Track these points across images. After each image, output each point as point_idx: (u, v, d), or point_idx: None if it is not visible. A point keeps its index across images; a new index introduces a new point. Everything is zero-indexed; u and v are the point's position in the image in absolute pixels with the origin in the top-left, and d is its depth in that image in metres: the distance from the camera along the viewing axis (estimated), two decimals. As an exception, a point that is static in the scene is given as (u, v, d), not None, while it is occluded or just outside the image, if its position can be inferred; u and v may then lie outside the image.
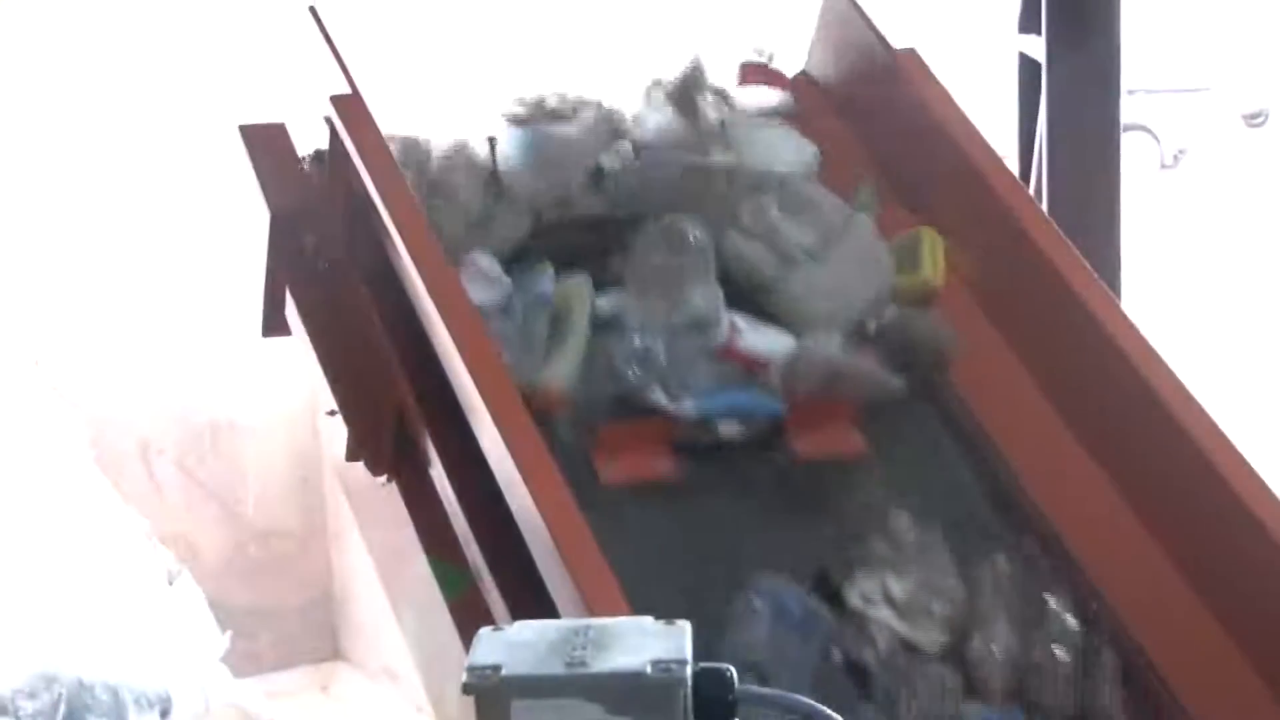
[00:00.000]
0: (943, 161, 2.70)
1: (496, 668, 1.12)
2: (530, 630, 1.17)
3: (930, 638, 2.44)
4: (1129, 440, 2.49)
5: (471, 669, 1.13)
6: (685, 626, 1.16)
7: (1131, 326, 2.46)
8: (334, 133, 2.74)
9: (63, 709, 5.39)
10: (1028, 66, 4.31)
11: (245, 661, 5.91)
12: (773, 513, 2.61)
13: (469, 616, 2.50)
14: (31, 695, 5.35)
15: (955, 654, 2.45)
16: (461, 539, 2.51)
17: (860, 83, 2.89)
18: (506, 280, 2.64)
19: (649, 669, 1.12)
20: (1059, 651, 2.39)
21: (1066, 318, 2.49)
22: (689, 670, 1.12)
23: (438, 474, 2.55)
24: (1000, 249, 2.61)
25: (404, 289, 2.60)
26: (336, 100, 2.70)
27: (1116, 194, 4.02)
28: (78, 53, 6.29)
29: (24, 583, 5.51)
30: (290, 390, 6.63)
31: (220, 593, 6.04)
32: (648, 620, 1.18)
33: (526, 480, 2.26)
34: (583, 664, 1.12)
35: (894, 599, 2.41)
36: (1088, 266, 2.52)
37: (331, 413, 2.74)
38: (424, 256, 2.49)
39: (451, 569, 2.56)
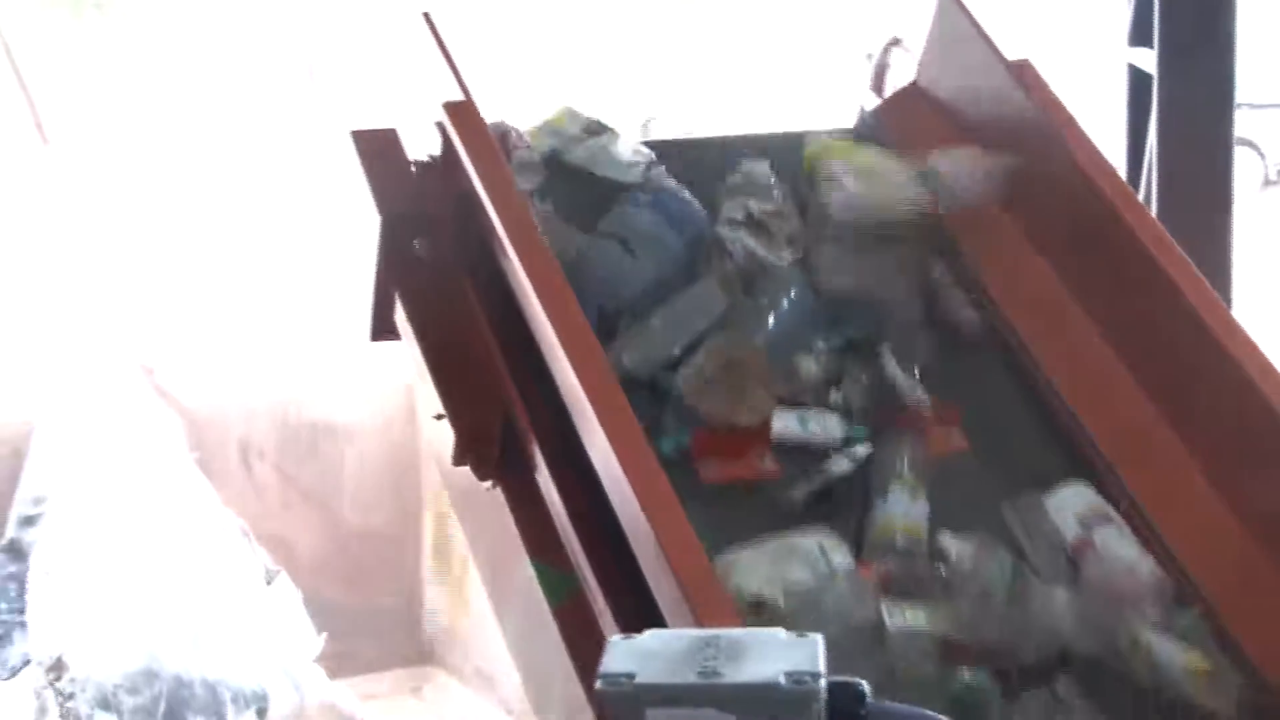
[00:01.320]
0: (1059, 176, 2.65)
1: (630, 675, 1.11)
2: (661, 639, 1.15)
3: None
4: (1246, 457, 2.44)
5: (605, 676, 1.11)
6: (817, 639, 1.14)
7: (1256, 348, 2.40)
8: (446, 138, 2.73)
9: (163, 705, 5.44)
10: (1138, 79, 4.25)
11: (340, 662, 5.93)
12: None
13: (573, 621, 2.49)
14: (132, 691, 5.41)
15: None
16: (566, 544, 2.49)
17: (973, 94, 2.85)
18: None
19: (783, 680, 1.10)
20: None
21: (1191, 341, 2.43)
22: (823, 682, 1.10)
23: (543, 479, 2.53)
24: (1118, 266, 2.56)
25: (513, 294, 2.59)
26: (449, 106, 2.69)
27: (1229, 210, 3.95)
28: (182, 56, 6.34)
29: (126, 580, 5.57)
30: (387, 393, 6.67)
31: (316, 593, 6.07)
32: (779, 631, 1.16)
33: (634, 487, 2.24)
34: (716, 674, 1.11)
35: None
36: (1209, 288, 2.47)
37: (439, 416, 2.73)
38: (534, 262, 2.48)
39: (555, 573, 2.54)
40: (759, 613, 2.31)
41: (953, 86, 2.88)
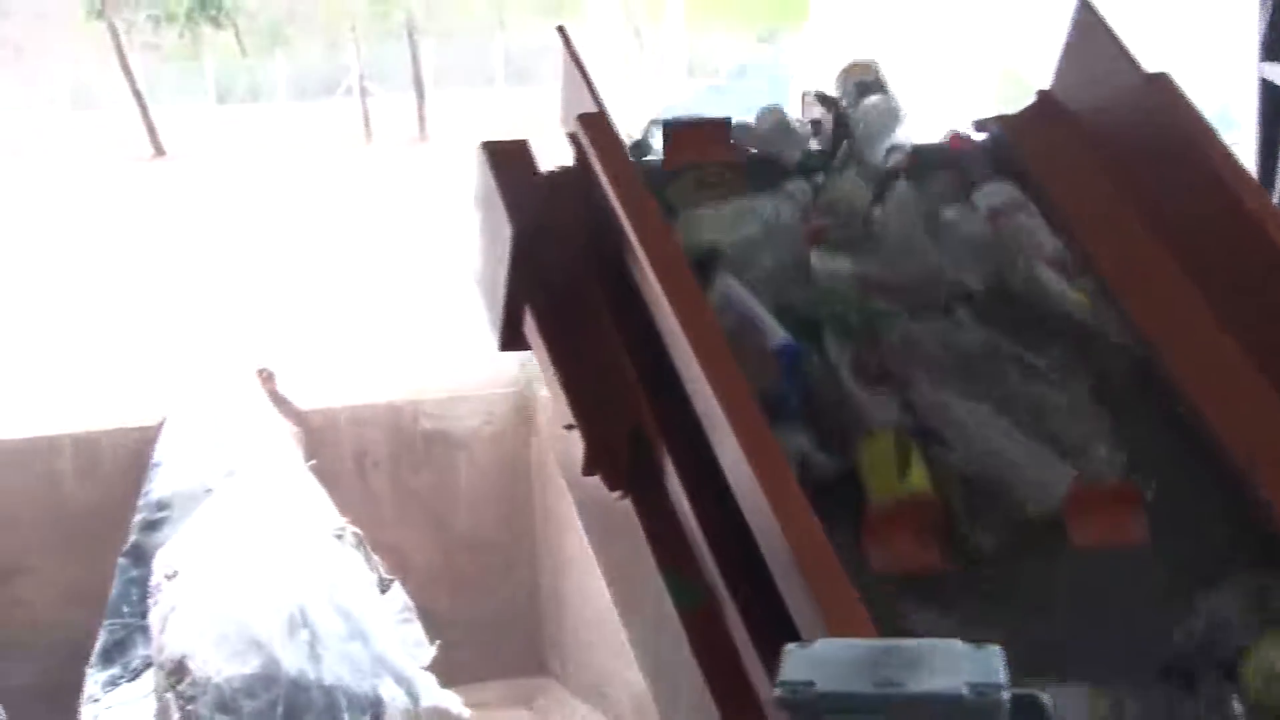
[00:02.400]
0: (1196, 187, 2.58)
1: (809, 684, 1.08)
2: (837, 647, 1.12)
3: None
4: None
5: (785, 684, 1.08)
6: (996, 650, 1.10)
7: None
8: (580, 150, 2.70)
9: (280, 709, 5.47)
10: (1270, 93, 4.17)
11: (451, 671, 5.94)
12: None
13: (703, 628, 2.44)
14: (251, 695, 5.44)
15: None
16: (697, 552, 2.44)
17: (1109, 106, 2.79)
18: None
19: (967, 691, 1.06)
20: None
21: None
22: (1005, 695, 1.07)
23: (674, 488, 2.49)
24: (1257, 278, 2.49)
25: (645, 305, 2.55)
26: (584, 118, 2.66)
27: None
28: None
29: (245, 586, 5.61)
30: (500, 403, 6.70)
31: (428, 602, 6.10)
32: (957, 642, 1.12)
33: (769, 498, 2.20)
34: (895, 684, 1.07)
35: None
36: None
37: (569, 427, 2.69)
38: (669, 273, 2.44)
39: (685, 582, 2.50)
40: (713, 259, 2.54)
41: (1087, 97, 2.82)
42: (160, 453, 6.04)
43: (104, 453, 6.17)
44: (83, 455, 6.16)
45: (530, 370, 6.78)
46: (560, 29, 2.83)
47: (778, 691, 1.09)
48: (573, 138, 2.75)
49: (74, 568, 5.98)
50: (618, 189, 2.56)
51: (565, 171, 2.81)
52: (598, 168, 2.61)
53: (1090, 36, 2.81)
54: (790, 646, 1.13)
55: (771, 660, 2.24)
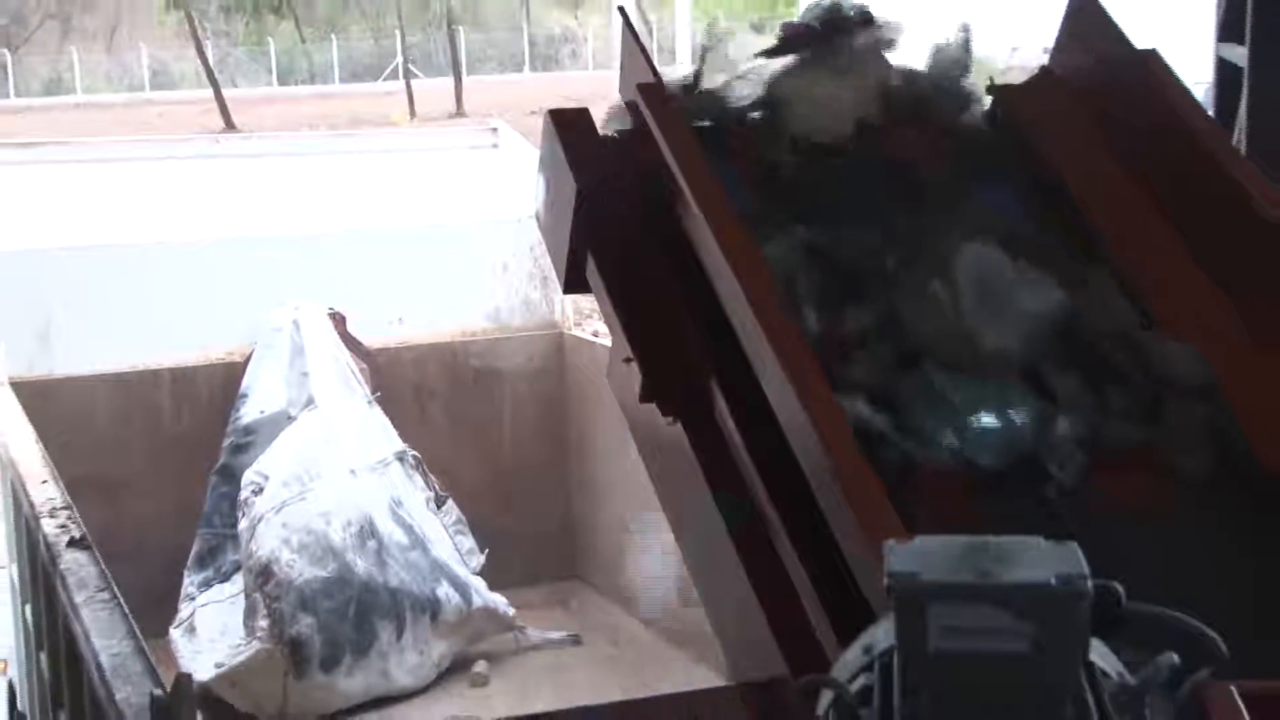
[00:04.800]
0: (1185, 156, 2.54)
1: (914, 574, 1.06)
2: (935, 544, 1.10)
3: None
4: None
5: (892, 574, 1.06)
6: (1074, 546, 1.09)
7: None
8: (638, 115, 2.67)
9: (353, 609, 5.49)
10: (1227, 72, 4.13)
11: (497, 575, 5.95)
12: None
13: (748, 541, 2.42)
14: (327, 595, 5.46)
15: None
16: (743, 471, 2.42)
17: (1104, 80, 2.75)
18: None
19: (1054, 581, 1.05)
20: None
21: None
22: (1090, 584, 1.05)
23: (721, 413, 2.47)
24: (1239, 237, 2.45)
25: (696, 250, 2.53)
26: (642, 87, 2.64)
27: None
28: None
29: (321, 500, 5.61)
30: (540, 344, 6.70)
31: (477, 516, 6.11)
32: (1038, 539, 1.11)
33: (811, 417, 2.17)
34: (991, 574, 1.05)
35: None
36: None
37: (627, 360, 2.67)
38: (720, 222, 2.42)
39: (732, 499, 2.48)
40: None
41: (1084, 73, 2.78)
42: (247, 384, 6.03)
43: (198, 383, 6.16)
44: (180, 386, 6.15)
45: (565, 315, 6.79)
46: (621, 9, 2.81)
47: (886, 581, 1.06)
48: (631, 105, 2.73)
49: (172, 485, 5.98)
50: (674, 148, 2.55)
51: (624, 135, 2.79)
52: (656, 130, 2.59)
53: (1086, 16, 2.78)
54: (889, 543, 1.11)
55: (813, 567, 2.22)
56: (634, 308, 2.70)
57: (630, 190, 2.72)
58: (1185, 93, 2.61)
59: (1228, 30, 4.10)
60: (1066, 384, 2.38)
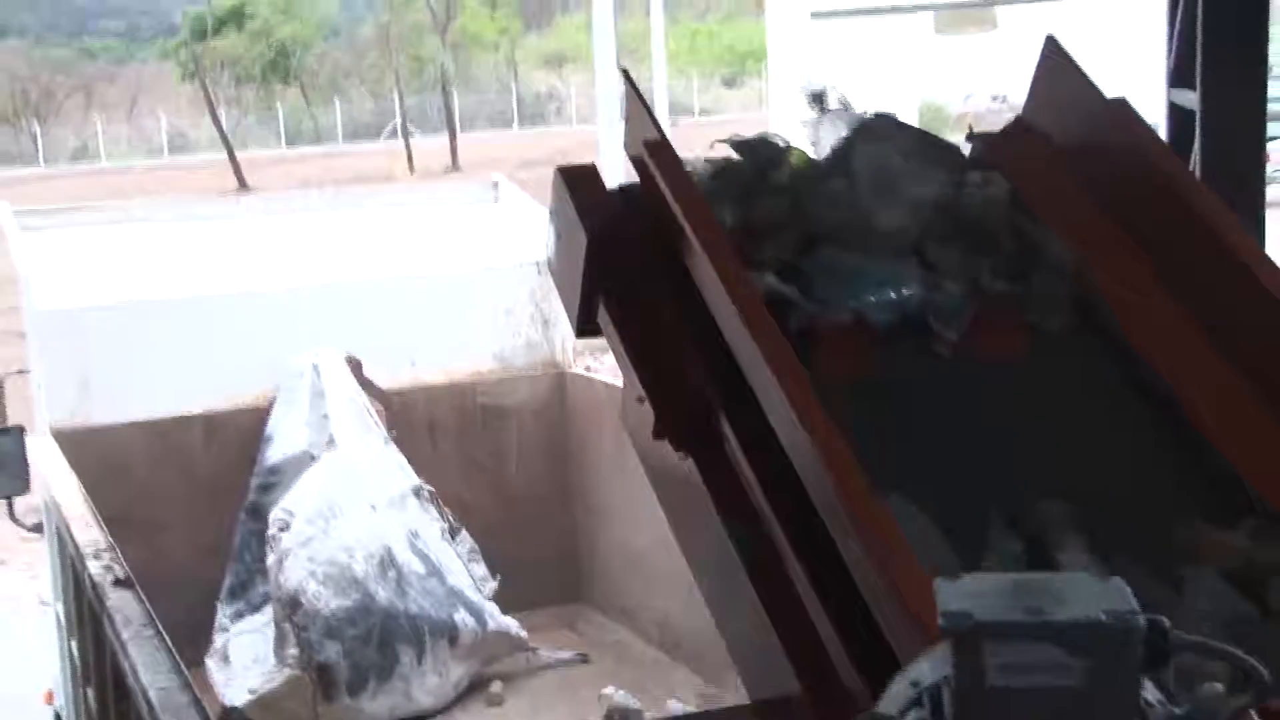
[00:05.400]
0: (1160, 198, 2.52)
1: (968, 615, 1.02)
2: (984, 582, 1.07)
3: None
4: None
5: (947, 615, 1.03)
6: (1121, 582, 1.06)
7: None
8: (644, 169, 2.65)
9: (376, 636, 5.43)
10: (1179, 117, 4.10)
11: (509, 599, 5.90)
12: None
13: (760, 568, 2.38)
14: (351, 623, 5.41)
15: None
16: (755, 503, 2.39)
17: (1076, 127, 2.73)
18: None
19: (1106, 617, 1.01)
20: None
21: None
22: (1142, 620, 1.02)
23: (731, 447, 2.44)
24: (1214, 273, 2.42)
25: (702, 294, 2.50)
26: (649, 144, 2.62)
27: (1263, 239, 3.78)
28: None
29: (344, 534, 5.57)
30: (542, 383, 6.66)
31: (489, 543, 6.06)
32: (1084, 575, 1.07)
33: (821, 460, 2.14)
34: (1044, 613, 1.02)
35: None
36: None
37: (640, 399, 2.64)
38: (724, 267, 2.40)
39: (741, 528, 2.44)
40: None
41: (1056, 121, 2.77)
42: (271, 427, 5.99)
43: (226, 428, 6.10)
44: (209, 430, 6.10)
45: (565, 355, 6.76)
46: (623, 71, 2.79)
47: (940, 622, 1.03)
48: (638, 160, 2.71)
49: (204, 524, 5.91)
50: (679, 197, 2.52)
51: (630, 188, 2.77)
52: (661, 181, 2.56)
53: (1058, 68, 2.76)
54: (939, 581, 1.07)
55: (826, 596, 2.18)
56: (644, 349, 2.67)
57: (637, 240, 2.70)
58: (1155, 139, 2.59)
59: (1179, 75, 4.08)
60: (948, 256, 2.56)
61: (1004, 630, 1.01)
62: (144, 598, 3.62)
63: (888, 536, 2.06)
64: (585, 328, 2.83)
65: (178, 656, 3.21)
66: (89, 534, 4.22)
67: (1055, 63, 2.76)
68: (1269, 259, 2.37)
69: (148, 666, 3.16)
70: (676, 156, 2.62)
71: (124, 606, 3.58)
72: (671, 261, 2.60)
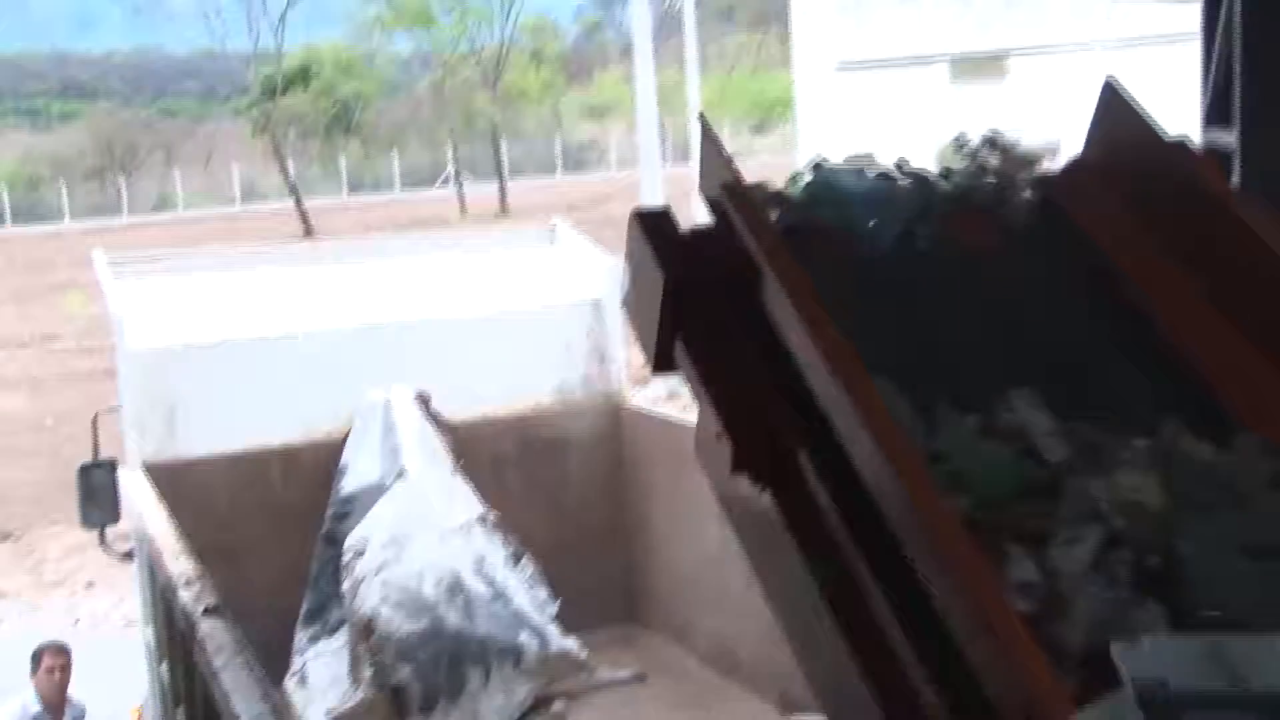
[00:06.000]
0: (1228, 236, 2.38)
1: (1163, 683, 0.90)
2: (1169, 646, 0.94)
3: None
4: None
5: (1138, 683, 0.90)
6: None
7: None
8: (722, 211, 2.54)
9: (446, 658, 5.33)
10: (1215, 157, 3.94)
11: (569, 621, 5.77)
12: None
13: (840, 602, 2.24)
14: (423, 646, 5.31)
15: None
16: (838, 538, 2.25)
17: (1136, 166, 2.60)
18: None
19: None
20: None
21: None
22: None
23: (811, 481, 2.31)
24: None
25: (782, 331, 2.38)
26: (726, 186, 2.51)
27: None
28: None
29: (415, 561, 5.47)
30: (601, 416, 6.56)
31: (550, 568, 5.94)
32: (1274, 640, 0.94)
33: (907, 487, 2.01)
34: (1242, 680, 0.90)
35: None
36: None
37: (718, 435, 2.51)
38: (804, 303, 2.28)
39: (821, 561, 2.30)
40: None
41: (1115, 160, 2.64)
42: (346, 459, 5.90)
43: (304, 460, 6.02)
44: (288, 462, 6.02)
45: (622, 388, 6.65)
46: (701, 117, 2.69)
47: (1131, 691, 0.90)
48: (714, 202, 2.60)
49: (283, 551, 5.83)
50: (758, 237, 2.41)
51: (705, 229, 2.65)
52: (740, 223, 2.45)
53: (1117, 108, 2.64)
54: (1119, 647, 0.94)
55: (911, 634, 2.05)
56: (723, 387, 2.55)
57: (714, 281, 2.58)
58: (1218, 175, 2.46)
59: (1215, 114, 3.92)
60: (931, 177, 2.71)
61: (1204, 700, 0.88)
62: (232, 625, 3.51)
63: (980, 575, 1.92)
64: (663, 365, 2.71)
65: (269, 686, 3.10)
66: (179, 564, 4.13)
67: (1114, 103, 2.63)
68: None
69: (241, 695, 3.06)
70: (754, 200, 2.51)
71: (214, 634, 3.49)
72: (748, 301, 2.48)
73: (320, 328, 6.29)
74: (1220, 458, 2.16)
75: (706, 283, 2.59)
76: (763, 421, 2.44)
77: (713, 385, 2.55)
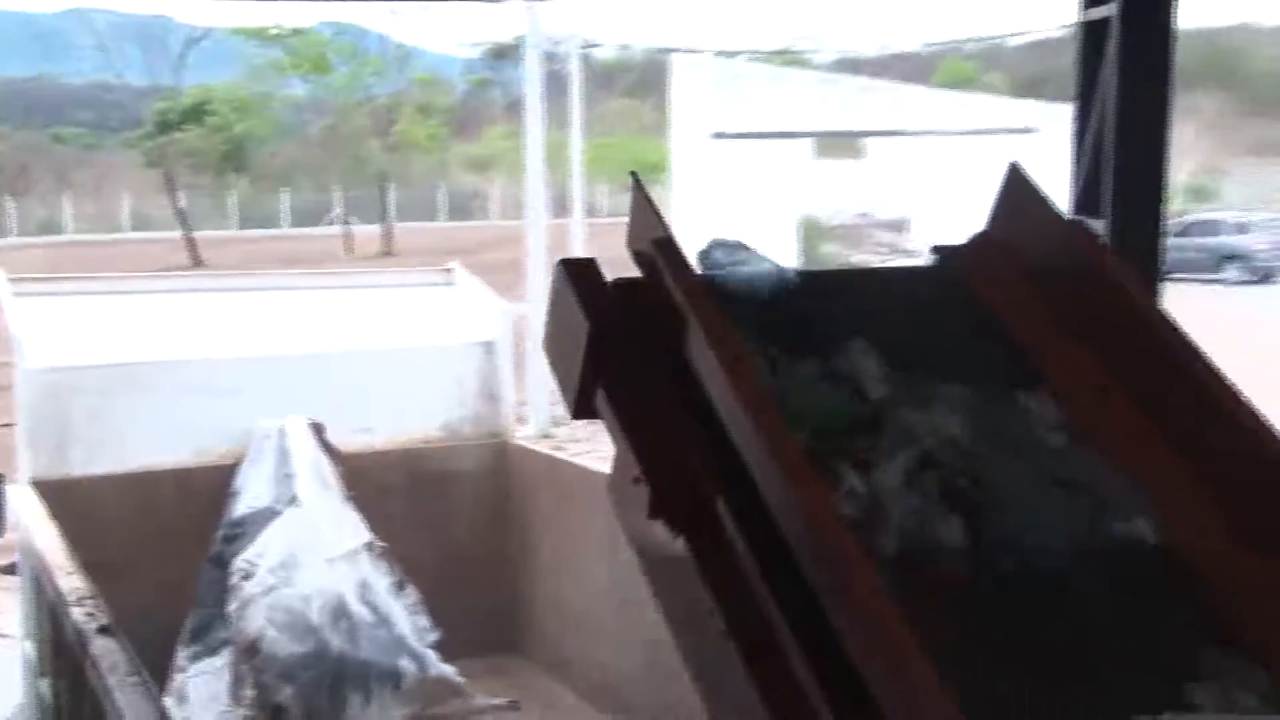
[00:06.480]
0: (1113, 309, 2.41)
1: None
2: None
3: None
4: None
5: None
6: None
7: None
8: (651, 264, 2.48)
9: (329, 680, 5.15)
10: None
11: (448, 649, 5.63)
12: None
13: (755, 651, 2.16)
14: (306, 668, 5.14)
15: None
16: (753, 587, 2.19)
17: (1036, 244, 2.62)
18: None
19: None
20: None
21: (1239, 445, 2.15)
22: None
23: (729, 529, 2.25)
24: (1168, 384, 2.31)
25: (702, 382, 2.33)
26: (657, 241, 2.45)
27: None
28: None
29: (302, 585, 5.29)
30: (488, 452, 6.45)
31: (434, 597, 5.79)
32: None
33: (818, 535, 1.97)
34: None
35: None
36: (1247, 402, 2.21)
37: (636, 480, 2.44)
38: (729, 357, 2.23)
39: (737, 610, 2.21)
40: None
41: (1018, 237, 2.65)
42: (239, 483, 5.70)
43: (195, 483, 5.80)
44: (179, 485, 5.79)
45: (509, 426, 6.55)
46: (633, 174, 2.63)
47: None
48: (640, 255, 2.54)
49: (168, 571, 5.60)
50: (683, 289, 2.36)
51: (630, 281, 2.59)
52: (668, 275, 2.40)
53: (1019, 190, 2.65)
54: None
55: (825, 683, 2.00)
56: (643, 432, 2.48)
57: (638, 330, 2.52)
58: (1110, 255, 2.49)
59: (1083, 203, 4.01)
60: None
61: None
62: (128, 646, 3.33)
63: (897, 632, 1.87)
64: (583, 410, 2.64)
65: (164, 706, 2.93)
66: (71, 581, 3.91)
67: (1017, 185, 2.65)
68: (1224, 378, 2.26)
69: (133, 712, 2.88)
70: (683, 255, 2.46)
71: (108, 654, 3.29)
72: (670, 351, 2.42)
73: (218, 355, 6.09)
74: (1027, 403, 2.30)
75: (630, 331, 2.53)
76: (681, 468, 2.38)
77: (633, 431, 2.48)
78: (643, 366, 2.52)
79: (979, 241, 2.73)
